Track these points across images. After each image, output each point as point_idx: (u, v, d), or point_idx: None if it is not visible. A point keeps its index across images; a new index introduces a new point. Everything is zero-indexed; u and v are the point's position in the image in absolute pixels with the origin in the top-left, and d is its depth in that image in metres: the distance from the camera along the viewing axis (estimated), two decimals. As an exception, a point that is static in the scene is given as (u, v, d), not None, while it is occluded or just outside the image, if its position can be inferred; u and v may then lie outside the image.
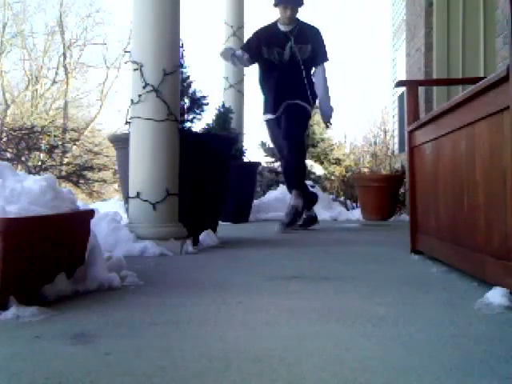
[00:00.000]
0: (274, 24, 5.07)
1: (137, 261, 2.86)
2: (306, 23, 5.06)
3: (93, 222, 2.28)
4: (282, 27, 5.01)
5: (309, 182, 7.02)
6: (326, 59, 5.03)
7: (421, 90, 5.84)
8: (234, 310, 1.83)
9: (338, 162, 13.26)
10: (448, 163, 2.55)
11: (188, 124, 4.19)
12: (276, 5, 4.99)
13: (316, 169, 11.38)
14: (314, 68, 5.03)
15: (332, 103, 5.08)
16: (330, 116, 5.08)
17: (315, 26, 5.09)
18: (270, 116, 5.05)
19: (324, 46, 5.02)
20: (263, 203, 6.90)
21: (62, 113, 20.51)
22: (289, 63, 4.93)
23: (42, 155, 8.25)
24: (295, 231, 4.90)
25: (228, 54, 5.10)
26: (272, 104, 4.98)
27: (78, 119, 20.87)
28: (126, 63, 4.50)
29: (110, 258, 2.42)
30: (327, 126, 5.23)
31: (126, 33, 20.44)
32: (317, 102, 5.09)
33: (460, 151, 2.36)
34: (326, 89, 5.04)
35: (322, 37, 5.03)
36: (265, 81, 5.07)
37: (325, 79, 5.02)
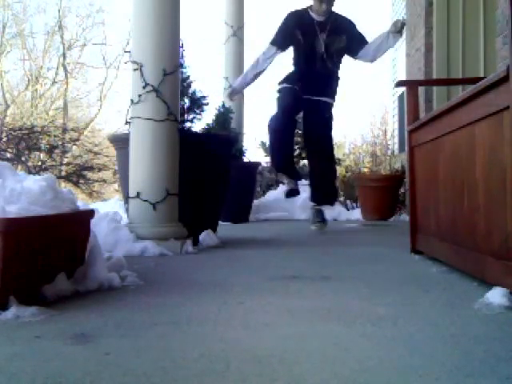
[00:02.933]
0: (306, 11, 4.75)
1: (137, 261, 2.86)
2: (340, 15, 4.79)
3: (93, 222, 2.28)
4: (315, 16, 4.70)
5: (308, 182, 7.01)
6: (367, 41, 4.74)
7: (421, 89, 5.83)
8: (234, 310, 1.83)
9: (338, 162, 13.23)
10: (448, 163, 2.55)
11: (188, 124, 4.19)
12: None
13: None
14: (359, 51, 4.71)
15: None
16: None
17: (348, 17, 4.83)
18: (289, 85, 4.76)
19: (361, 34, 4.74)
20: (263, 203, 6.90)
21: (62, 113, 20.49)
22: (321, 56, 4.69)
23: (42, 155, 8.25)
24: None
25: (239, 89, 4.96)
26: (300, 84, 4.72)
27: (78, 119, 20.85)
28: (126, 63, 4.50)
29: (110, 257, 2.43)
30: (403, 26, 4.69)
31: (126, 33, 20.45)
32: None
33: (460, 151, 2.36)
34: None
35: (357, 27, 4.77)
36: (296, 64, 4.81)
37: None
